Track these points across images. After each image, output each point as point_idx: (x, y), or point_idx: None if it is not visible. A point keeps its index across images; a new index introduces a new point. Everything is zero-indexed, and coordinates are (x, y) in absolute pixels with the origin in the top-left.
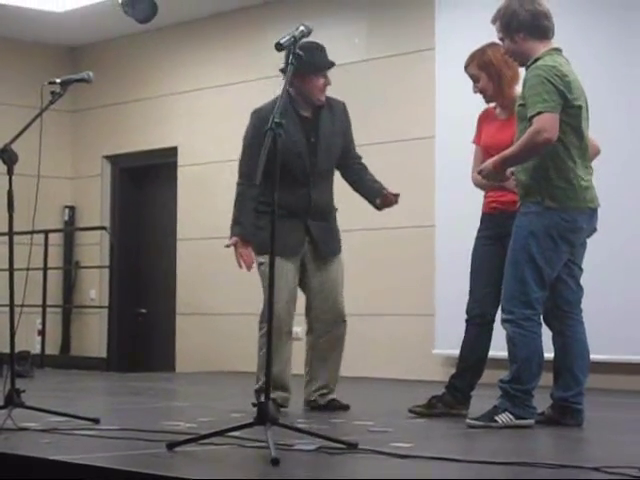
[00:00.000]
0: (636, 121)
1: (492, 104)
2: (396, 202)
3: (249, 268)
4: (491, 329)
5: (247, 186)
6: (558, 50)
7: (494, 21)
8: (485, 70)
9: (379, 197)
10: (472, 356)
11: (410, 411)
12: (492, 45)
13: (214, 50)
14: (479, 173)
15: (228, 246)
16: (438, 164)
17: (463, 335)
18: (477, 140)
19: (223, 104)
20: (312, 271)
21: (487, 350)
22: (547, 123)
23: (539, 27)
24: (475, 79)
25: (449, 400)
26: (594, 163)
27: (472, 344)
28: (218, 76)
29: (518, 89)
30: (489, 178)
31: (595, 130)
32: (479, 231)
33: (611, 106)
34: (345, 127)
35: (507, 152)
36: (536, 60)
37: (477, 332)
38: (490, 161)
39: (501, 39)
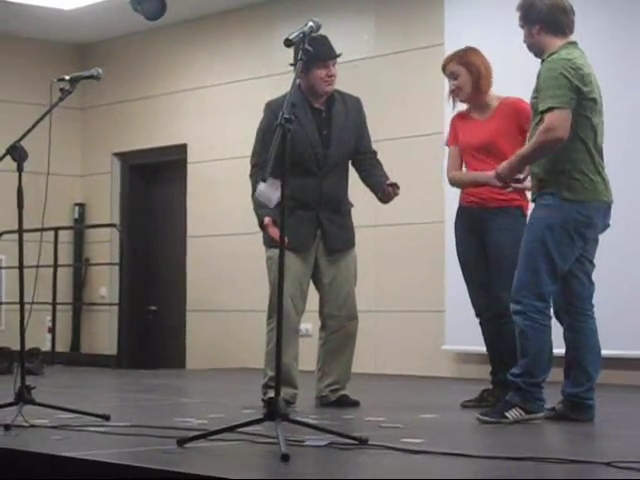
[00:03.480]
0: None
1: (464, 107)
2: (395, 194)
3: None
4: (502, 317)
5: (262, 175)
6: (574, 43)
7: (518, 9)
8: (465, 67)
9: (380, 190)
10: (498, 351)
11: (463, 406)
12: (472, 48)
13: (223, 47)
14: (497, 176)
15: (264, 226)
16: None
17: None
18: (452, 141)
19: (233, 101)
20: (324, 266)
21: (510, 339)
22: (557, 120)
23: (555, 22)
24: (454, 76)
25: (499, 394)
26: None
27: (492, 340)
28: (227, 73)
29: (492, 92)
30: (506, 179)
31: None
32: (457, 224)
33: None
34: (359, 122)
35: (522, 151)
36: (552, 54)
37: (491, 327)
38: (506, 162)
39: (521, 26)
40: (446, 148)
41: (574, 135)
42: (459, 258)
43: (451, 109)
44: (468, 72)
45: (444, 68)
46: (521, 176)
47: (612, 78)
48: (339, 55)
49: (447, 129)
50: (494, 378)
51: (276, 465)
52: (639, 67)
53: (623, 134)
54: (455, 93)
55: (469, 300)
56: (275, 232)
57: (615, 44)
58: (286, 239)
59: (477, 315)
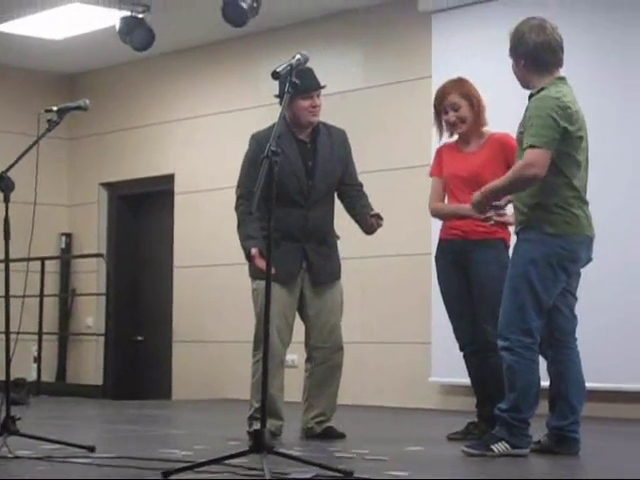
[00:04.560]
0: (630, 142)
1: (452, 139)
2: (379, 225)
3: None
4: (486, 350)
5: (248, 206)
6: (563, 79)
7: (509, 37)
8: (467, 99)
9: (363, 222)
10: (482, 385)
11: (449, 439)
12: (465, 79)
13: (211, 78)
14: (472, 204)
15: (251, 257)
16: None
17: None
18: (436, 172)
19: (220, 131)
20: (310, 298)
21: (495, 372)
22: (537, 158)
23: (541, 61)
24: (455, 107)
25: (484, 428)
26: None
27: (476, 374)
28: (215, 103)
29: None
30: (479, 208)
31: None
32: (438, 258)
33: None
34: (344, 154)
35: (496, 183)
36: (540, 90)
37: (475, 360)
38: (479, 192)
39: (510, 56)
40: (430, 178)
41: (558, 171)
42: (442, 291)
43: (438, 140)
44: (469, 104)
45: (443, 99)
46: (501, 203)
47: (599, 109)
48: (323, 87)
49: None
50: (480, 411)
51: None
52: (627, 94)
53: (607, 166)
54: (456, 125)
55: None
56: (262, 263)
57: (602, 72)
58: (273, 269)
59: (461, 349)
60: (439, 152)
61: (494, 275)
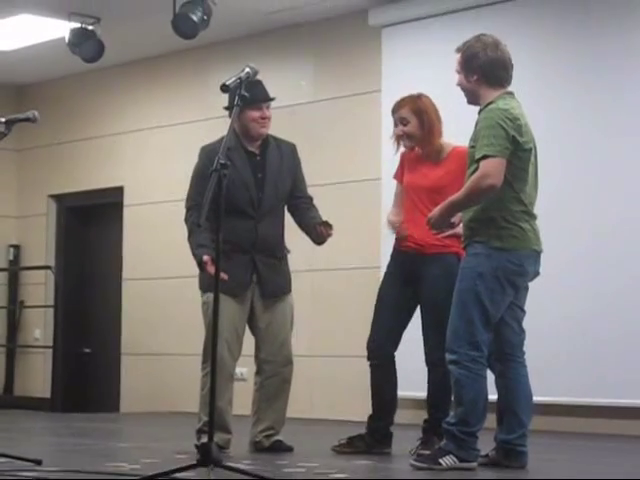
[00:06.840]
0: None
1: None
2: (328, 234)
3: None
4: (393, 366)
5: (197, 217)
6: (511, 94)
7: (458, 51)
8: (418, 116)
9: (313, 231)
10: (382, 397)
11: (333, 450)
12: (425, 96)
13: (160, 90)
14: (428, 222)
15: (205, 264)
16: (384, 206)
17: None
18: (397, 177)
19: (169, 144)
20: (260, 311)
21: (395, 387)
22: (492, 168)
23: (494, 76)
24: (404, 122)
25: (370, 441)
26: None
27: (378, 386)
28: (164, 116)
29: (444, 139)
30: (436, 227)
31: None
32: (390, 266)
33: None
34: (293, 167)
35: (454, 198)
36: (489, 104)
37: (380, 373)
38: (437, 209)
39: (458, 71)
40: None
41: (506, 184)
42: (378, 297)
43: (394, 152)
44: (419, 121)
45: (395, 111)
46: (455, 220)
47: (540, 125)
48: (273, 99)
49: (384, 174)
50: (370, 424)
51: None
52: (568, 112)
53: (552, 181)
54: (403, 139)
55: (403, 345)
56: (214, 270)
57: (545, 89)
58: (225, 275)
59: (368, 358)
60: (402, 157)
61: (445, 290)
